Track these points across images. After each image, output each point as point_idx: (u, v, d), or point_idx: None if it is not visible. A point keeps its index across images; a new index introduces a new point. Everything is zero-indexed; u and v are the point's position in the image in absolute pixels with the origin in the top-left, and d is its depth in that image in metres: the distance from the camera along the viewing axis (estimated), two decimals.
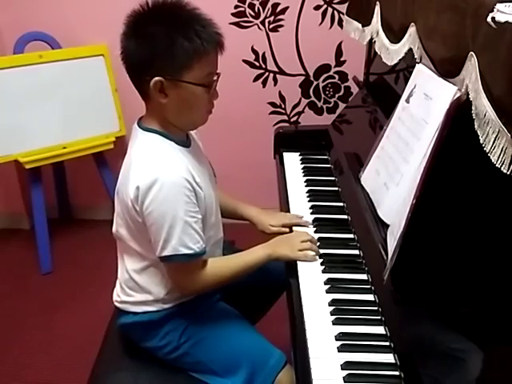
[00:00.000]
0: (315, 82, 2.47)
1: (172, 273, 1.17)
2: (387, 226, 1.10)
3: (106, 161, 2.48)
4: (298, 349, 0.99)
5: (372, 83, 1.76)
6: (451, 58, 0.94)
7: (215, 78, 1.13)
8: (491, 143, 0.76)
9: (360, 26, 1.58)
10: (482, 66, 0.80)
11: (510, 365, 0.81)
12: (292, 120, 2.56)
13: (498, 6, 0.74)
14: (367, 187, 1.27)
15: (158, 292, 1.20)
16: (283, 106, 2.52)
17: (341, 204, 1.43)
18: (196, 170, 1.15)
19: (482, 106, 0.79)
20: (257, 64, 2.43)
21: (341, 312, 1.06)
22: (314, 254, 1.22)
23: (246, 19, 2.34)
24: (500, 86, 0.74)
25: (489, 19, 0.74)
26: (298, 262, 1.21)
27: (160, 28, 1.06)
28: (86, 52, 2.31)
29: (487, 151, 0.77)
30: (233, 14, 2.33)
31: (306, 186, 1.56)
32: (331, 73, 2.45)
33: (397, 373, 0.92)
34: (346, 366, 0.94)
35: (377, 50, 1.39)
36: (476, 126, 0.81)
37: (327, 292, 1.12)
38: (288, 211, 1.44)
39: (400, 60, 1.23)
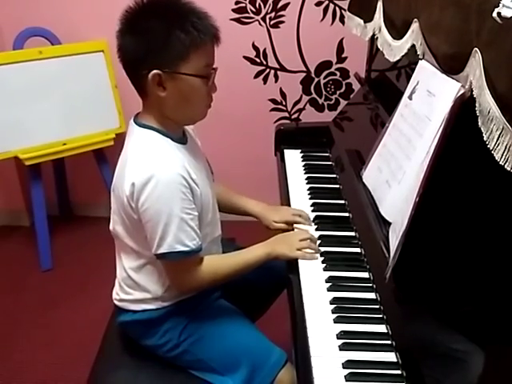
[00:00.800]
0: (316, 79, 2.46)
1: (169, 270, 1.16)
2: (389, 223, 1.10)
3: (106, 157, 2.48)
4: (299, 347, 0.98)
5: (374, 80, 1.75)
6: (455, 54, 0.93)
7: (213, 71, 1.13)
8: (495, 140, 0.76)
9: (362, 22, 1.57)
10: (486, 62, 0.79)
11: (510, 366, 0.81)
12: (293, 117, 2.55)
13: (504, 0, 0.73)
14: (369, 185, 1.27)
15: (156, 290, 1.20)
16: (284, 103, 2.51)
17: (342, 202, 1.43)
18: (192, 166, 1.14)
19: (486, 102, 0.78)
20: (258, 60, 2.42)
21: (342, 310, 1.05)
22: (313, 252, 1.22)
23: (246, 15, 2.33)
24: (504, 82, 0.73)
25: (494, 14, 0.73)
26: (299, 260, 1.20)
27: (156, 22, 1.06)
28: (86, 48, 2.30)
29: (491, 148, 0.76)
30: (233, 10, 2.32)
31: (307, 183, 1.55)
32: (332, 69, 2.44)
33: (398, 371, 0.91)
34: (348, 364, 0.93)
35: (379, 47, 1.38)
36: (480, 123, 0.80)
37: (328, 290, 1.11)
38: None
39: (402, 56, 1.22)
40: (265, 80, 2.46)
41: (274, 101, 2.50)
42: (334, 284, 1.13)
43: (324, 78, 2.46)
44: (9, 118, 2.17)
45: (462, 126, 0.92)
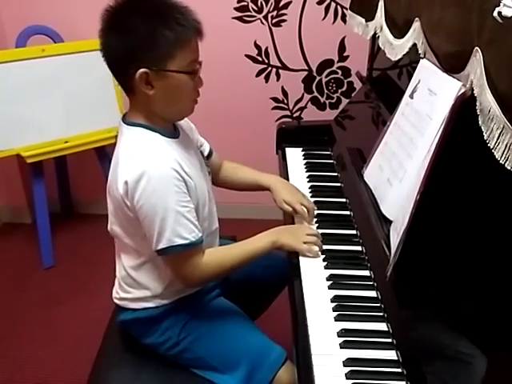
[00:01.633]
0: (318, 78, 2.46)
1: (171, 265, 1.16)
2: (390, 222, 1.10)
3: (108, 155, 2.46)
4: (300, 345, 0.98)
5: (375, 78, 1.75)
6: (456, 53, 0.93)
7: (198, 65, 1.13)
8: (495, 139, 0.76)
9: (363, 20, 1.57)
10: (487, 61, 0.80)
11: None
12: (295, 115, 2.55)
13: (505, 0, 0.73)
14: (370, 183, 1.27)
15: (155, 288, 1.20)
16: (286, 102, 2.51)
17: (343, 200, 1.43)
18: (185, 160, 1.14)
19: (487, 101, 0.78)
20: (259, 59, 2.42)
21: (343, 308, 1.06)
22: (318, 249, 1.21)
23: (248, 14, 2.32)
24: (505, 81, 0.74)
25: (495, 14, 0.73)
26: (301, 258, 1.20)
27: (139, 20, 1.05)
28: (89, 46, 2.30)
29: (491, 147, 0.77)
30: (236, 9, 2.31)
31: (308, 181, 1.55)
32: (334, 68, 2.44)
33: (399, 370, 0.91)
34: (349, 362, 0.94)
35: (380, 45, 1.38)
36: (480, 122, 0.80)
37: (329, 288, 1.11)
38: None
39: (404, 55, 1.22)
40: (266, 78, 2.46)
41: (275, 99, 2.50)
42: (335, 282, 1.13)
43: (326, 77, 2.46)
44: (11, 116, 2.18)
45: (462, 124, 0.92)
